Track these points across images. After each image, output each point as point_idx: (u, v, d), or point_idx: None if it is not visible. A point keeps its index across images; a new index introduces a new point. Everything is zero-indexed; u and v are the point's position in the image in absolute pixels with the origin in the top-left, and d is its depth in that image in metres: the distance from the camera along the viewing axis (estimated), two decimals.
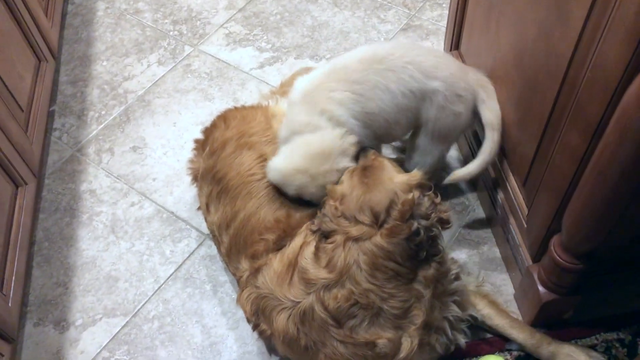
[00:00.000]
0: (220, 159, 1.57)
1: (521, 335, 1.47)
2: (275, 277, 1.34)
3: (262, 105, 1.76)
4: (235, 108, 1.76)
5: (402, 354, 1.27)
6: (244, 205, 1.48)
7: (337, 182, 1.38)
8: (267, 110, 1.69)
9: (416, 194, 1.23)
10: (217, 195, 1.55)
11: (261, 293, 1.36)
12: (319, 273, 1.25)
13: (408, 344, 1.27)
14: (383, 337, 1.25)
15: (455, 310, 1.38)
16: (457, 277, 1.41)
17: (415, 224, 1.21)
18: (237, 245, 1.48)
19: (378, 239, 1.21)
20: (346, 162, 1.42)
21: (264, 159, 1.51)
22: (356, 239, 1.22)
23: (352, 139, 1.44)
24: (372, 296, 1.22)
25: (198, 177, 1.68)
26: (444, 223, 1.28)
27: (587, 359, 1.44)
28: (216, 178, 1.56)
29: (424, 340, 1.30)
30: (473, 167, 1.58)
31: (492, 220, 1.75)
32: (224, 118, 1.70)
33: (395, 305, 1.24)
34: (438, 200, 1.28)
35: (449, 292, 1.36)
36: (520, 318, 1.58)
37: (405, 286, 1.24)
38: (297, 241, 1.37)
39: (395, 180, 1.27)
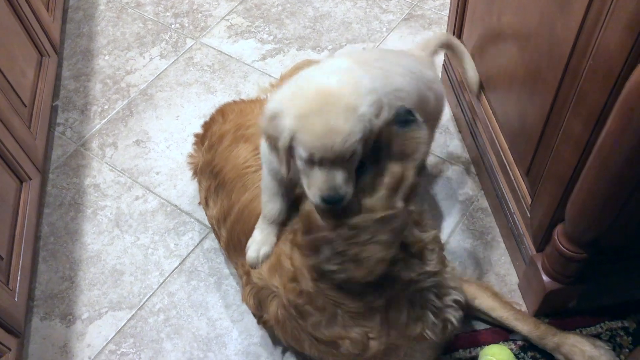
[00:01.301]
0: (218, 153, 1.57)
1: (526, 327, 1.47)
2: (267, 268, 1.33)
3: (261, 98, 1.76)
4: (234, 102, 1.76)
5: (369, 353, 1.23)
6: (239, 199, 1.47)
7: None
8: (265, 103, 1.68)
9: (331, 232, 1.12)
10: (215, 190, 1.55)
11: (259, 285, 1.37)
12: (286, 263, 1.25)
13: (375, 343, 1.22)
14: (346, 338, 1.22)
15: (432, 299, 1.28)
16: (436, 273, 1.27)
17: (325, 254, 1.13)
18: (233, 240, 1.48)
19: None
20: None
21: (260, 150, 1.49)
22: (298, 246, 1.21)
23: None
24: (321, 301, 1.19)
25: (197, 172, 1.69)
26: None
27: (592, 348, 1.44)
28: (214, 172, 1.56)
29: (401, 337, 1.25)
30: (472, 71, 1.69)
31: (496, 210, 1.74)
32: (222, 112, 1.70)
33: (349, 310, 1.19)
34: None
35: (424, 288, 1.26)
36: (524, 308, 1.59)
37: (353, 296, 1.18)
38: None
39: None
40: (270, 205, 1.31)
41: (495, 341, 1.51)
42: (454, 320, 1.31)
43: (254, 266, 1.36)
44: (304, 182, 1.13)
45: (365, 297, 1.17)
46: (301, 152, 1.07)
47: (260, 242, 1.34)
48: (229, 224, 1.49)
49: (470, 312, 1.52)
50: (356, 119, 1.05)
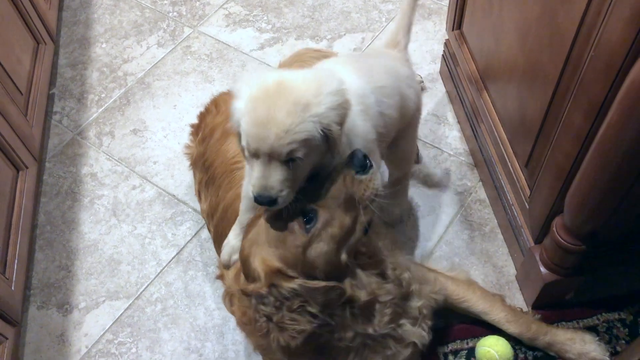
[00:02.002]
0: (209, 146, 1.55)
1: (517, 330, 1.46)
2: (233, 274, 1.32)
3: None
4: (229, 91, 1.74)
5: None
6: (224, 196, 1.45)
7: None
8: None
9: (264, 289, 1.09)
10: (206, 184, 1.54)
11: (228, 288, 1.37)
12: (242, 278, 1.22)
13: None
14: None
15: (384, 346, 1.25)
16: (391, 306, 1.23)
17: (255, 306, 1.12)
18: (218, 238, 1.46)
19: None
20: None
21: None
22: None
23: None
24: (265, 324, 1.15)
25: (192, 163, 1.68)
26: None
27: (583, 344, 1.44)
28: (205, 165, 1.55)
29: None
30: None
31: (494, 202, 1.74)
32: (215, 103, 1.68)
33: (280, 344, 1.16)
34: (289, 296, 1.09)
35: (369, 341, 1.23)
36: (521, 300, 1.59)
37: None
38: None
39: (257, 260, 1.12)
40: (247, 214, 1.26)
41: (492, 332, 1.51)
42: (418, 343, 1.30)
43: (226, 267, 1.35)
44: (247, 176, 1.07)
45: (295, 345, 1.14)
46: (244, 144, 1.02)
47: (233, 247, 1.31)
48: (216, 221, 1.47)
49: (460, 312, 1.51)
50: (304, 116, 0.97)
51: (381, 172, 1.21)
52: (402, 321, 1.25)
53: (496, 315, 1.48)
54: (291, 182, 1.04)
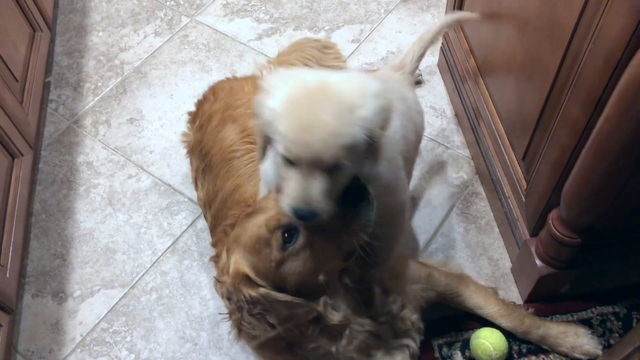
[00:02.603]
0: (207, 133, 1.54)
1: (510, 323, 1.47)
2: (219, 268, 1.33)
3: (255, 75, 1.73)
4: (227, 79, 1.73)
5: None
6: (222, 186, 1.44)
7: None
8: (258, 80, 1.65)
9: (231, 288, 1.10)
10: (203, 172, 1.53)
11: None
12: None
13: None
14: None
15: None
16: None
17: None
18: (214, 228, 1.46)
19: None
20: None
21: (247, 133, 1.45)
22: None
23: None
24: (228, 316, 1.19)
25: (189, 151, 1.67)
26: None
27: (576, 338, 1.45)
28: (202, 153, 1.54)
29: None
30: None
31: (490, 195, 1.74)
32: (213, 90, 1.67)
33: (247, 338, 1.19)
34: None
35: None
36: (516, 293, 1.59)
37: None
38: None
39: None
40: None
41: (486, 324, 1.51)
42: (413, 345, 1.30)
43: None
44: (282, 187, 0.97)
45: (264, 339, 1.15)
46: (279, 147, 0.92)
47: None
48: (214, 211, 1.47)
49: (453, 306, 1.51)
50: (351, 119, 0.89)
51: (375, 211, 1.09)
52: (374, 352, 1.24)
53: (490, 309, 1.48)
54: (332, 194, 0.95)
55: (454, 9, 1.83)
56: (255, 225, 1.07)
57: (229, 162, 1.45)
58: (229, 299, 1.11)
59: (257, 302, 1.07)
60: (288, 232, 1.03)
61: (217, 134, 1.50)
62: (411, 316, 1.32)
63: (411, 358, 1.32)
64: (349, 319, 1.15)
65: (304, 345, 1.17)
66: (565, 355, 1.46)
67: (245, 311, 1.09)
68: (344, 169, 0.93)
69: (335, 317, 1.12)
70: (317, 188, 0.92)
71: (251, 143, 1.44)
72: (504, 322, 1.47)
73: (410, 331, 1.31)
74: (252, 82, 1.63)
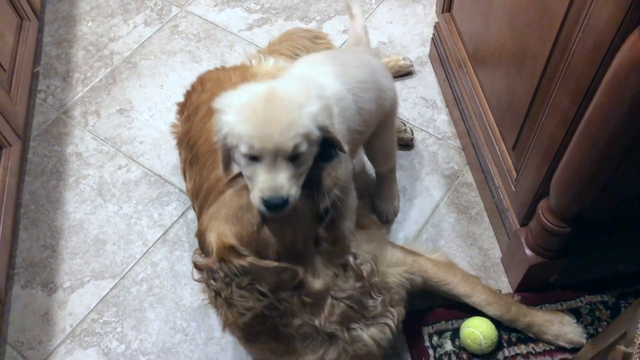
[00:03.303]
0: (194, 124, 1.54)
1: (497, 312, 1.47)
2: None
3: (244, 65, 1.72)
4: (216, 69, 1.72)
5: None
6: (208, 176, 1.44)
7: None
8: (246, 70, 1.64)
9: (215, 264, 1.10)
10: (190, 163, 1.53)
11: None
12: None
13: None
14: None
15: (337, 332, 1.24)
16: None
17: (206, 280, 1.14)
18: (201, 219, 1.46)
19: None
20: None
21: None
22: None
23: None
24: (214, 300, 1.20)
25: (178, 142, 1.66)
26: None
27: (561, 326, 1.47)
28: (190, 144, 1.53)
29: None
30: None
31: (481, 185, 1.75)
32: (201, 80, 1.66)
33: (239, 326, 1.20)
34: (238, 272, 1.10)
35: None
36: (506, 282, 1.60)
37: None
38: None
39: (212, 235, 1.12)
40: None
41: (476, 313, 1.52)
42: (391, 324, 1.30)
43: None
44: (249, 184, 1.08)
45: (247, 324, 1.16)
46: (242, 148, 1.03)
47: None
48: (200, 201, 1.46)
49: (441, 295, 1.51)
50: (301, 113, 1.02)
51: (346, 167, 1.21)
52: (354, 325, 1.24)
53: (477, 297, 1.48)
54: (297, 180, 1.05)
55: (444, 0, 1.84)
56: (234, 197, 1.11)
57: (215, 152, 1.44)
58: (213, 279, 1.11)
59: (246, 273, 1.08)
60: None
61: (203, 125, 1.50)
62: (393, 294, 1.33)
63: (389, 335, 1.31)
64: (329, 285, 1.17)
65: (290, 323, 1.17)
66: (550, 343, 1.48)
67: (234, 285, 1.09)
68: (303, 157, 1.04)
69: (316, 283, 1.14)
70: (283, 176, 1.03)
71: None
72: (491, 310, 1.48)
73: (390, 311, 1.31)
74: (240, 72, 1.62)
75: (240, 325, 1.16)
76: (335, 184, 1.10)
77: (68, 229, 1.78)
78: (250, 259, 1.08)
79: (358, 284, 1.22)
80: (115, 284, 1.67)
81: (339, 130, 1.18)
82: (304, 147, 1.03)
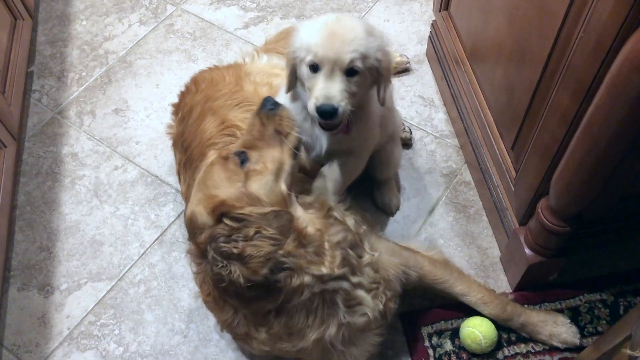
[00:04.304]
0: (188, 126, 1.53)
1: (493, 311, 1.47)
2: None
3: (237, 63, 1.71)
4: (209, 69, 1.71)
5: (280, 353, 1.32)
6: None
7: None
8: (240, 69, 1.63)
9: (216, 226, 1.10)
10: (184, 165, 1.52)
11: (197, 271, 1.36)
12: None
13: (285, 345, 1.28)
14: (254, 338, 1.28)
15: (338, 303, 1.26)
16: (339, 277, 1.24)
17: (211, 253, 1.11)
18: None
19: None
20: None
21: (226, 125, 1.46)
22: None
23: None
24: (222, 303, 1.25)
25: (173, 144, 1.65)
26: (242, 261, 1.10)
27: (554, 326, 1.47)
28: (184, 146, 1.52)
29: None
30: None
31: (479, 184, 1.74)
32: (195, 81, 1.65)
33: (244, 314, 1.25)
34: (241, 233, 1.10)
35: (328, 291, 1.24)
36: (505, 282, 1.60)
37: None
38: None
39: (197, 206, 1.15)
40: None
41: (476, 313, 1.52)
42: (369, 313, 1.29)
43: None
44: (307, 90, 1.23)
45: (255, 302, 1.17)
46: (307, 58, 1.19)
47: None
48: None
49: (437, 293, 1.51)
50: (365, 37, 1.18)
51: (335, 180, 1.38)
52: (356, 279, 1.26)
53: (473, 296, 1.48)
54: (349, 95, 1.20)
55: None
56: (209, 168, 1.20)
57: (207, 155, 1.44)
58: (218, 244, 1.09)
59: (249, 222, 1.09)
60: (239, 156, 1.20)
61: (197, 127, 1.49)
62: (389, 279, 1.35)
63: (381, 307, 1.31)
64: (322, 229, 1.20)
65: (302, 283, 1.15)
66: (544, 343, 1.48)
67: (242, 238, 1.08)
68: (358, 76, 1.20)
69: (309, 227, 1.19)
70: (337, 87, 1.18)
71: (230, 135, 1.44)
72: (487, 310, 1.48)
73: (382, 291, 1.32)
74: (234, 71, 1.61)
75: (260, 274, 1.10)
76: (290, 122, 1.26)
77: (64, 231, 1.77)
78: (248, 208, 1.12)
79: (346, 231, 1.26)
80: (113, 286, 1.66)
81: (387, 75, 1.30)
82: (359, 64, 1.18)
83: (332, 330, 1.25)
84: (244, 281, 1.09)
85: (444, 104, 1.97)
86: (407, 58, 2.06)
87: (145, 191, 1.84)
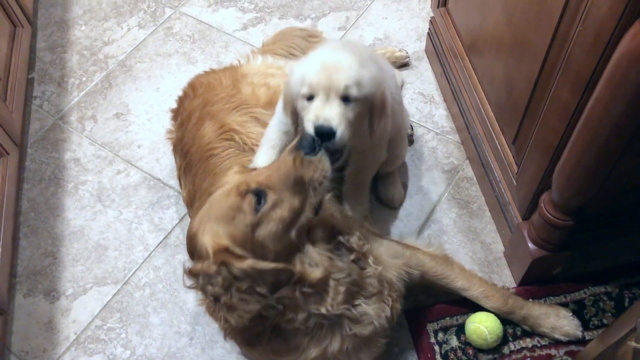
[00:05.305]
0: (187, 131, 1.53)
1: (495, 304, 1.47)
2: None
3: (234, 66, 1.71)
4: (206, 72, 1.71)
5: None
6: (200, 185, 1.43)
7: None
8: (236, 71, 1.63)
9: (213, 267, 1.08)
10: (184, 171, 1.52)
11: None
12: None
13: None
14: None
15: (341, 327, 1.25)
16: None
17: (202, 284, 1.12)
18: None
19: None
20: None
21: (224, 130, 1.45)
22: None
23: None
24: (212, 305, 1.21)
25: (173, 149, 1.66)
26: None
27: (557, 319, 1.47)
28: (183, 151, 1.53)
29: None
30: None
31: (481, 179, 1.74)
32: (192, 86, 1.66)
33: (239, 316, 1.19)
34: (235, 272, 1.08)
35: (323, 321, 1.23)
36: (509, 277, 1.60)
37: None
38: None
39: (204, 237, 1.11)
40: (264, 157, 1.36)
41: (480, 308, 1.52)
42: (376, 323, 1.27)
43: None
44: (304, 119, 1.22)
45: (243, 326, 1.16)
46: (304, 90, 1.19)
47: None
48: (195, 210, 1.45)
49: (438, 288, 1.51)
50: (356, 68, 1.19)
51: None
52: (358, 301, 1.24)
53: (475, 290, 1.49)
54: (346, 121, 1.19)
55: None
56: (224, 196, 1.11)
57: (207, 160, 1.44)
58: (210, 284, 1.09)
59: (246, 276, 1.07)
60: (257, 195, 1.10)
61: (196, 132, 1.49)
62: (392, 282, 1.34)
63: (388, 312, 1.30)
64: (328, 270, 1.16)
65: (295, 318, 1.16)
66: (546, 336, 1.48)
67: (234, 289, 1.08)
68: (353, 103, 1.20)
69: (316, 272, 1.14)
70: (335, 110, 1.18)
71: (229, 140, 1.44)
72: (489, 303, 1.48)
73: (389, 294, 1.31)
74: (231, 74, 1.61)
75: (240, 328, 1.15)
76: (325, 176, 1.14)
77: (69, 236, 1.77)
78: (249, 262, 1.07)
79: (352, 256, 1.23)
80: (118, 290, 1.67)
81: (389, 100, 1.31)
82: (354, 91, 1.18)
83: (334, 346, 1.24)
84: (231, 322, 1.12)
85: (444, 101, 1.97)
86: (407, 53, 2.06)
87: (148, 195, 1.85)
